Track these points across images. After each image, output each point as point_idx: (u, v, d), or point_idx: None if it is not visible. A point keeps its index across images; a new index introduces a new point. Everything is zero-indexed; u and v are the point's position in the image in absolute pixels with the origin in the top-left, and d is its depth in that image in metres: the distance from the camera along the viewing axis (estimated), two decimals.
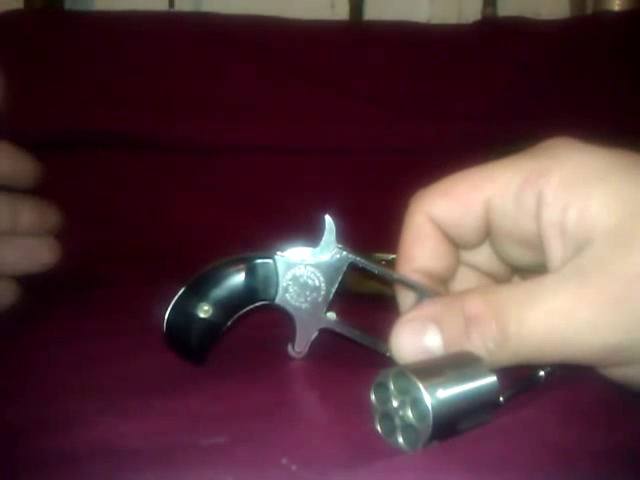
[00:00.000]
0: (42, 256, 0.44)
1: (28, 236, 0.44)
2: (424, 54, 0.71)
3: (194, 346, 0.33)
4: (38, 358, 0.35)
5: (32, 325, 0.41)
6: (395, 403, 0.25)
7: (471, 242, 0.33)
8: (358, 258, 0.34)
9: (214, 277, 0.33)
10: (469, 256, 0.34)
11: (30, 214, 0.44)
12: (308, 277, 0.33)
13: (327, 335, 0.34)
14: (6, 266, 0.42)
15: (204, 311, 0.33)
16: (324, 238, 0.34)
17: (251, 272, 0.33)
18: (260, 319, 0.35)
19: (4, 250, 0.42)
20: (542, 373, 0.29)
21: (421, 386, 0.24)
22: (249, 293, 0.33)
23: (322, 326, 0.34)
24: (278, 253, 0.34)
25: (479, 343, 0.27)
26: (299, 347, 0.34)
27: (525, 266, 0.33)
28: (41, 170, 0.46)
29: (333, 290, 0.34)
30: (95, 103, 0.65)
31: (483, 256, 0.34)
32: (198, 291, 0.33)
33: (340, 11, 0.84)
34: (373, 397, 0.26)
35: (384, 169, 0.68)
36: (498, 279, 0.35)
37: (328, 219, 0.34)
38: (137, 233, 0.62)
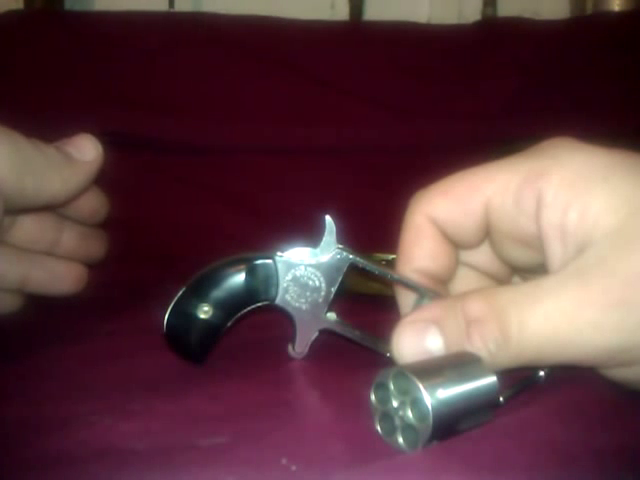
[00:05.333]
0: (65, 283, 0.44)
1: (61, 259, 0.44)
2: (424, 54, 0.71)
3: (194, 347, 0.33)
4: (38, 358, 0.35)
5: (32, 325, 0.41)
6: (395, 403, 0.25)
7: (471, 242, 0.33)
8: (358, 258, 0.34)
9: (214, 277, 0.33)
10: (469, 256, 0.34)
11: (71, 238, 0.45)
12: (308, 278, 0.33)
13: (327, 335, 0.34)
14: (28, 283, 0.42)
15: (204, 312, 0.33)
16: (324, 238, 0.34)
17: (251, 273, 0.33)
18: (260, 320, 0.35)
19: (32, 268, 0.43)
20: (542, 373, 0.29)
21: (421, 386, 0.24)
22: (249, 294, 0.33)
23: (322, 327, 0.34)
24: (278, 253, 0.34)
25: (480, 345, 0.27)
26: (299, 347, 0.34)
27: (525, 266, 0.33)
28: (108, 207, 0.47)
29: (333, 290, 0.34)
30: (95, 103, 0.65)
31: (483, 256, 0.34)
32: (198, 292, 0.33)
33: (340, 11, 0.84)
34: (373, 397, 0.26)
35: (384, 169, 0.68)
36: (498, 279, 0.35)
37: (328, 219, 0.34)
38: (137, 233, 0.62)
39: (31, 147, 0.37)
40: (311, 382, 0.34)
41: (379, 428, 0.26)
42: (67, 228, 0.45)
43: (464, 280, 0.34)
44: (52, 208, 0.42)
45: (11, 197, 0.35)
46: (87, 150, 0.40)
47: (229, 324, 0.34)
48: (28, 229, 0.43)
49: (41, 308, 0.43)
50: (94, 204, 0.46)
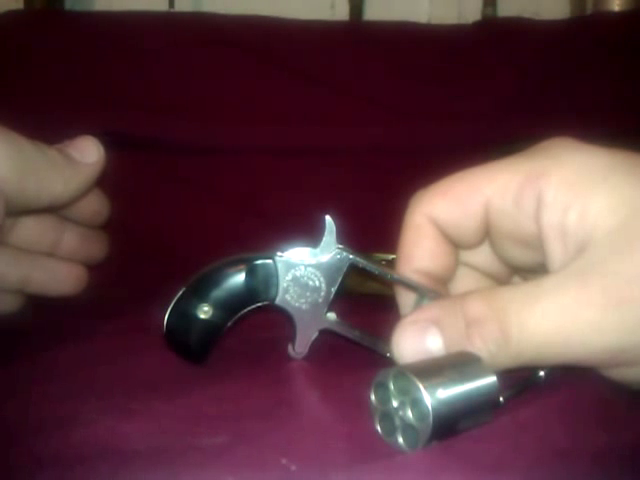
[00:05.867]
0: (66, 284, 0.44)
1: (62, 261, 0.45)
2: (424, 54, 0.71)
3: (194, 347, 0.33)
4: (38, 358, 0.35)
5: (32, 325, 0.41)
6: (395, 403, 0.25)
7: (471, 242, 0.33)
8: (358, 258, 0.34)
9: (214, 278, 0.33)
10: (469, 256, 0.34)
11: (72, 239, 0.45)
12: (308, 278, 0.34)
13: (327, 335, 0.34)
14: (28, 284, 0.43)
15: (204, 312, 0.33)
16: (324, 238, 0.34)
17: (251, 273, 0.33)
18: (260, 320, 0.35)
19: (33, 269, 0.43)
20: (542, 373, 0.29)
21: (421, 386, 0.24)
22: (249, 294, 0.33)
23: (322, 327, 0.34)
24: (278, 253, 0.34)
25: (480, 345, 0.27)
26: (299, 348, 0.34)
27: (525, 266, 0.33)
28: (110, 209, 0.47)
29: (333, 291, 0.34)
30: (95, 103, 0.65)
31: (483, 256, 0.34)
32: (198, 292, 0.33)
33: (340, 11, 0.84)
34: (373, 397, 0.27)
35: (384, 169, 0.68)
36: (498, 279, 0.35)
37: (328, 219, 0.34)
38: (137, 233, 0.62)
39: (33, 149, 0.37)
40: (311, 382, 0.34)
41: (379, 428, 0.26)
42: (68, 229, 0.45)
43: (464, 280, 0.34)
44: (53, 210, 0.42)
45: (13, 198, 0.36)
46: (89, 152, 0.40)
47: (229, 324, 0.34)
48: (29, 230, 0.43)
49: (41, 308, 0.43)
50: (96, 206, 0.46)
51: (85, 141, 0.40)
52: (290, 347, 0.35)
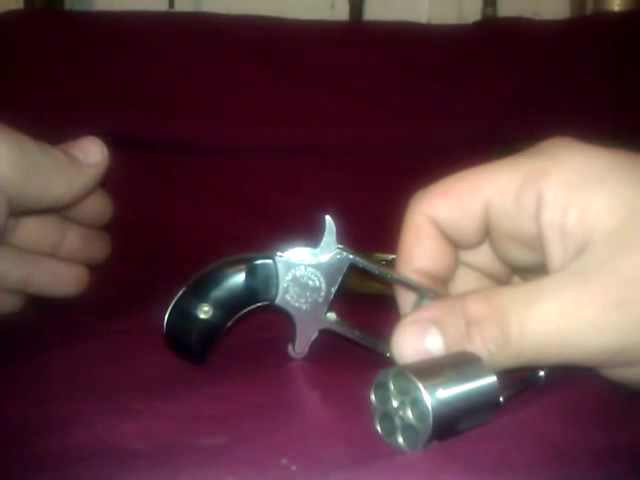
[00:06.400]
0: (67, 285, 0.44)
1: (63, 261, 0.45)
2: (424, 54, 0.71)
3: (194, 347, 0.33)
4: (38, 358, 0.35)
5: (33, 325, 0.41)
6: (395, 403, 0.25)
7: (471, 242, 0.33)
8: (358, 258, 0.34)
9: (214, 278, 0.33)
10: (469, 256, 0.34)
11: (74, 240, 0.45)
12: (308, 278, 0.34)
13: (327, 335, 0.34)
14: (29, 285, 0.43)
15: (204, 312, 0.33)
16: (324, 239, 0.34)
17: (251, 273, 0.33)
18: (260, 320, 0.35)
19: (34, 269, 0.43)
20: (542, 373, 0.29)
21: (421, 386, 0.24)
22: (249, 294, 0.33)
23: (322, 327, 0.34)
24: (278, 253, 0.34)
25: (480, 345, 0.27)
26: (299, 348, 0.34)
27: (525, 266, 0.33)
28: (113, 210, 0.47)
29: (333, 291, 0.34)
30: (95, 103, 0.65)
31: (483, 256, 0.34)
32: (198, 292, 0.33)
33: (340, 11, 0.84)
34: (373, 397, 0.27)
35: (384, 169, 0.68)
36: (498, 279, 0.35)
37: (328, 219, 0.34)
38: (136, 233, 0.62)
39: (37, 149, 0.37)
40: (311, 382, 0.34)
41: (379, 428, 0.26)
42: (70, 230, 0.45)
43: (464, 280, 0.34)
44: (56, 210, 0.42)
45: (15, 199, 0.35)
46: (93, 153, 0.40)
47: (229, 324, 0.34)
48: (31, 231, 0.43)
49: (42, 308, 0.43)
50: (99, 206, 0.46)
51: (89, 142, 0.40)
52: (290, 347, 0.35)
